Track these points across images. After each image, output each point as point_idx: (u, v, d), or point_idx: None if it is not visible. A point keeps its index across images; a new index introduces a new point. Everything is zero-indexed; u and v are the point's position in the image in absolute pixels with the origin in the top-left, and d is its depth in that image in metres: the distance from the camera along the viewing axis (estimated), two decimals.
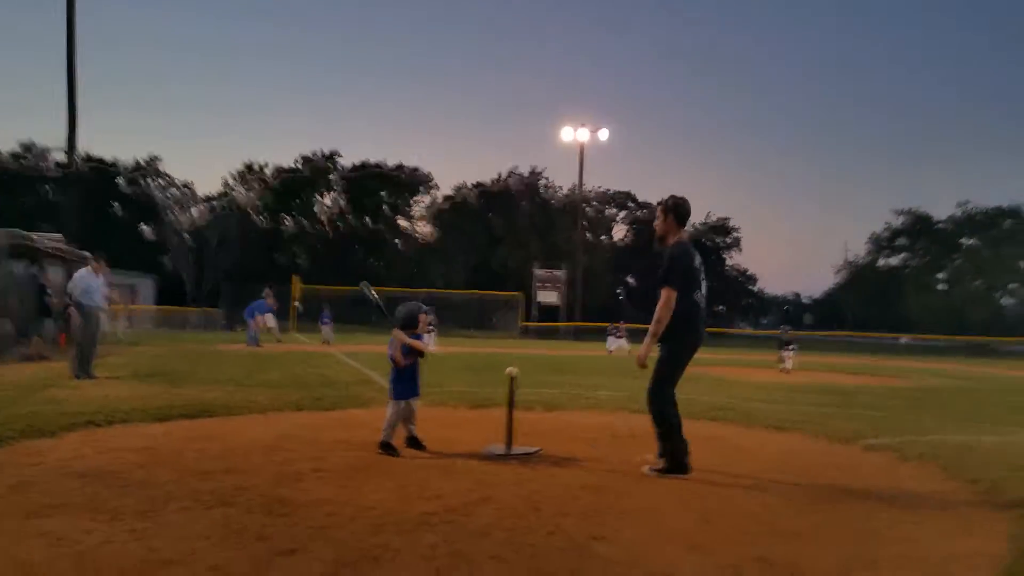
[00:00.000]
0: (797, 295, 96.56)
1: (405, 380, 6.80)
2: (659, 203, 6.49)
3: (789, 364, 20.52)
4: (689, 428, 8.77)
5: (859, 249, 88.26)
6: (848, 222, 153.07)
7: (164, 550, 3.72)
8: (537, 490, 5.38)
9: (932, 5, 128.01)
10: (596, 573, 3.70)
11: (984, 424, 9.79)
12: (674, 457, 6.06)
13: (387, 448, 6.61)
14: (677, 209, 6.27)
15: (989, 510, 5.18)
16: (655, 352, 6.21)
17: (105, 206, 65.57)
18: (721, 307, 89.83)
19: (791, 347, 20.88)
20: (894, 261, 76.31)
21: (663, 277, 6.04)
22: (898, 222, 73.78)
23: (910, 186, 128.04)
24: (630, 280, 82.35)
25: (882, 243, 75.66)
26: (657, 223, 6.36)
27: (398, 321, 6.81)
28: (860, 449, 7.62)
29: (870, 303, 72.38)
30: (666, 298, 5.96)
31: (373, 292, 7.24)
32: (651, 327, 6.02)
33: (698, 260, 6.19)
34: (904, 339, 52.63)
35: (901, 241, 74.71)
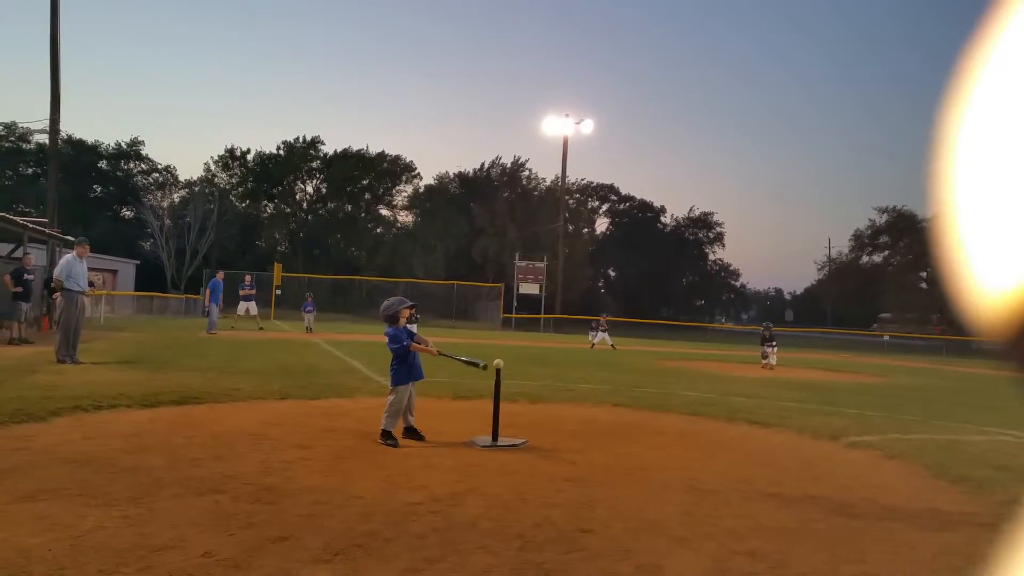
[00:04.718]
0: (779, 290, 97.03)
1: (405, 367, 6.86)
2: None
3: (772, 360, 20.57)
4: (669, 422, 8.90)
5: (842, 246, 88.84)
6: (832, 219, 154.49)
7: (157, 536, 3.75)
8: (523, 481, 5.44)
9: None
10: (586, 565, 3.72)
11: (967, 424, 9.90)
12: None
13: (387, 437, 6.64)
14: None
15: (975, 508, 5.25)
16: None
17: (86, 188, 64.95)
18: (701, 302, 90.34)
19: (773, 343, 20.95)
20: (877, 259, 76.67)
21: None
22: (881, 220, 74.12)
23: (894, 184, 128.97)
24: (611, 272, 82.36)
25: (865, 240, 75.96)
26: None
27: (383, 316, 6.96)
28: (843, 447, 7.71)
29: (851, 299, 72.87)
30: None
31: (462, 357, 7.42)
32: None
33: None
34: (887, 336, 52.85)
35: (884, 239, 74.99)
